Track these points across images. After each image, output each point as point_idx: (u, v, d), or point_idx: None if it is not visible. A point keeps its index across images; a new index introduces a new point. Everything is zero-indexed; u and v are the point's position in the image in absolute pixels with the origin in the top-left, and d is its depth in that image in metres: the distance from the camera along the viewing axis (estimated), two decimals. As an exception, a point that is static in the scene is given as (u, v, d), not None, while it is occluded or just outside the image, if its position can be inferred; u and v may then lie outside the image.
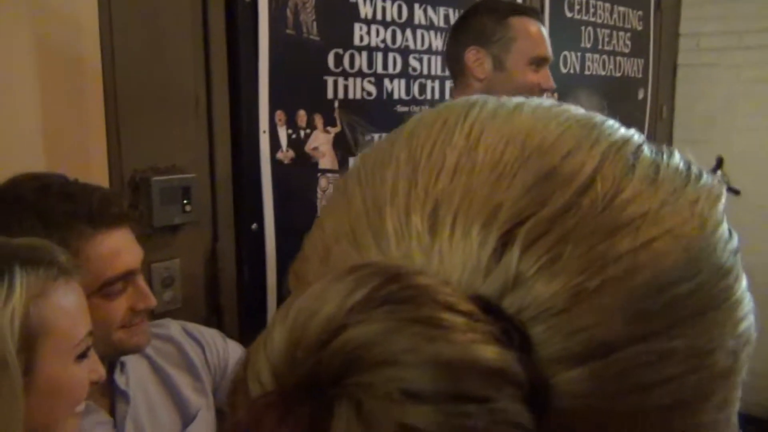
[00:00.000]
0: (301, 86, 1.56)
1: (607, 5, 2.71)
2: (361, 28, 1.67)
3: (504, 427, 0.20)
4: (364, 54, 1.69)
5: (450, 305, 0.21)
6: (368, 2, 1.68)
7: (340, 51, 1.63)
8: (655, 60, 3.14)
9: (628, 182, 0.25)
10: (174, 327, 1.15)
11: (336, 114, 1.64)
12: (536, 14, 1.53)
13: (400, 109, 1.81)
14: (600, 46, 2.70)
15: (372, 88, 1.72)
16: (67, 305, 0.75)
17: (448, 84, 1.91)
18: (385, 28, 1.74)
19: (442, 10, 1.89)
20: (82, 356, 0.77)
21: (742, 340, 0.25)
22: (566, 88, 2.51)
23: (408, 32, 1.80)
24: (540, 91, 1.43)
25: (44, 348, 0.71)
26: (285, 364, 0.21)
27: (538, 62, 1.42)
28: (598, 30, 2.68)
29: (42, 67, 1.17)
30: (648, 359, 0.23)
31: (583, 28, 2.58)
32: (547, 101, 0.29)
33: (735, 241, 0.27)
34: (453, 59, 1.51)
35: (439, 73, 1.90)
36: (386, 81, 1.76)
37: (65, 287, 0.75)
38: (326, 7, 1.57)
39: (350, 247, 0.26)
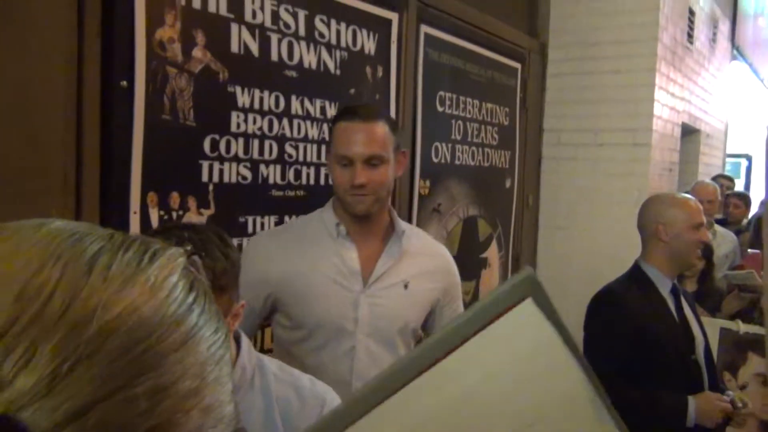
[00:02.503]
0: (175, 169, 1.60)
1: (476, 102, 2.96)
2: (238, 116, 1.74)
3: None
4: (241, 140, 1.76)
5: None
6: (246, 92, 1.76)
7: (217, 137, 1.69)
8: (521, 152, 3.42)
9: (84, 284, 0.32)
10: None
11: (210, 197, 1.68)
12: (351, 114, 1.48)
13: (275, 193, 1.88)
14: (469, 139, 2.92)
15: (247, 173, 1.79)
16: None
17: (323, 170, 2.01)
18: (263, 117, 1.82)
19: (318, 102, 2.00)
20: None
21: (210, 362, 0.34)
22: (438, 177, 2.68)
23: (285, 121, 1.89)
24: (351, 187, 1.44)
25: None
26: None
27: (341, 161, 1.46)
28: (468, 124, 2.90)
29: None
30: (118, 407, 0.30)
31: (453, 121, 2.79)
32: (37, 223, 0.36)
33: (192, 296, 0.35)
34: None
35: (314, 160, 2.00)
36: (262, 166, 1.83)
37: None
38: (204, 95, 1.64)
39: None
